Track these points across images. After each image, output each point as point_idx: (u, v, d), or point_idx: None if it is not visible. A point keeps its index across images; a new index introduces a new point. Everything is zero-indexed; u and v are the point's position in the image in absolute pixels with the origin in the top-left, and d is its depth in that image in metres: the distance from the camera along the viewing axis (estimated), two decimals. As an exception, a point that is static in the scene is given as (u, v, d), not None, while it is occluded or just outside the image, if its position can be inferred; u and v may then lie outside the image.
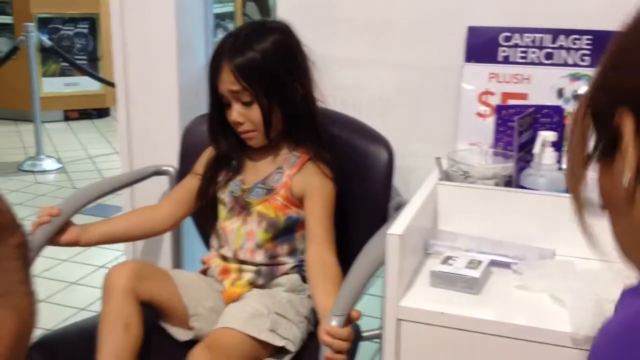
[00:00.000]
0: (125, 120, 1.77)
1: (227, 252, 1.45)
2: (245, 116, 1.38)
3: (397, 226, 1.10)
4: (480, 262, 1.17)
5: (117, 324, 1.28)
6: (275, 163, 1.45)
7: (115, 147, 5.01)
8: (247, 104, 1.37)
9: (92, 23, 5.66)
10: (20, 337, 0.79)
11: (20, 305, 0.81)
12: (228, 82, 1.36)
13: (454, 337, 1.07)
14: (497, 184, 1.32)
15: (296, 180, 1.41)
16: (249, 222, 1.43)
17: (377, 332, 1.53)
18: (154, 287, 1.35)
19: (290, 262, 1.43)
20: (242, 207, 1.44)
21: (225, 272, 1.44)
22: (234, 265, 1.43)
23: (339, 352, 1.13)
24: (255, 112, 1.37)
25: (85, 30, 5.64)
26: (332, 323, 1.12)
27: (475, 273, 1.13)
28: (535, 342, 1.03)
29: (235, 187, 1.45)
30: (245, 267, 1.42)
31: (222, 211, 1.47)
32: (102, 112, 5.88)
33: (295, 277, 1.42)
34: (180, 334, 1.39)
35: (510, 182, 1.33)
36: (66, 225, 1.40)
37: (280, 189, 1.41)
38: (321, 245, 1.37)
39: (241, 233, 1.43)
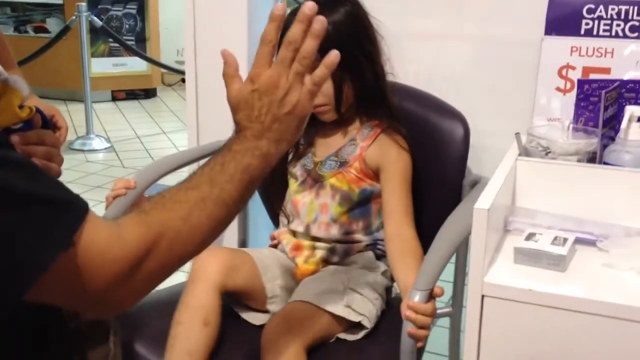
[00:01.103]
0: (193, 96, 1.77)
1: (297, 226, 1.44)
2: None
3: (484, 201, 1.07)
4: (565, 239, 1.14)
5: (196, 319, 1.23)
6: (347, 136, 1.43)
7: (162, 127, 5.05)
8: None
9: (141, 3, 5.70)
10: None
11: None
12: None
13: (541, 314, 1.05)
14: (579, 160, 1.29)
15: (370, 152, 1.39)
16: (322, 196, 1.41)
17: (446, 310, 1.50)
18: (241, 278, 1.32)
19: (365, 240, 1.41)
20: (314, 180, 1.42)
21: (297, 248, 1.43)
22: (306, 242, 1.42)
23: (421, 327, 1.11)
24: (327, 85, 1.34)
25: (133, 11, 5.69)
26: (415, 298, 1.11)
27: (562, 250, 1.10)
28: (627, 320, 1.00)
29: (307, 160, 1.44)
30: (318, 244, 1.41)
31: (293, 184, 1.46)
32: (149, 93, 5.94)
33: (369, 255, 1.41)
34: (255, 318, 1.36)
35: (594, 158, 1.29)
36: (140, 199, 1.40)
37: (354, 162, 1.40)
38: (399, 219, 1.35)
39: (314, 206, 1.41)
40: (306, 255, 1.41)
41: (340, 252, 1.40)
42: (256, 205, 1.67)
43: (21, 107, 1.02)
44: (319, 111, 1.39)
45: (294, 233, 1.45)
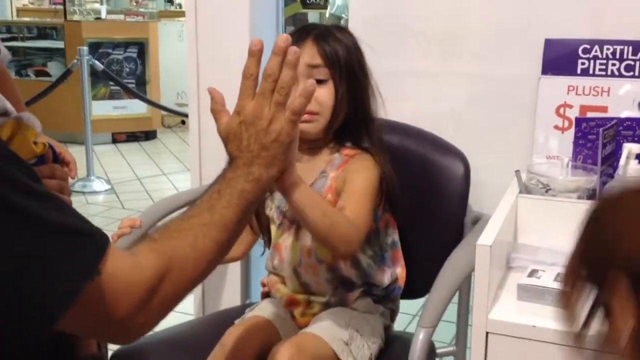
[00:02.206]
0: (196, 136, 1.79)
1: (285, 271, 1.38)
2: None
3: (486, 237, 1.08)
4: (568, 275, 1.14)
5: None
6: (317, 169, 1.35)
7: (162, 169, 5.07)
8: (320, 82, 1.28)
9: (141, 47, 5.78)
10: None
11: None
12: (308, 55, 1.29)
13: (546, 350, 1.05)
14: (579, 197, 1.30)
15: (339, 179, 1.31)
16: (302, 237, 1.34)
17: (450, 349, 1.50)
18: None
19: (356, 278, 1.36)
20: (291, 221, 1.36)
21: (292, 303, 1.38)
22: (300, 297, 1.37)
23: None
24: (326, 92, 1.30)
25: (134, 55, 5.77)
26: (419, 336, 1.10)
27: (565, 286, 1.11)
28: (632, 357, 1.00)
29: (281, 201, 1.36)
30: (313, 297, 1.37)
31: (273, 229, 1.40)
32: (149, 135, 5.98)
33: (366, 300, 1.36)
34: None
35: (594, 195, 1.30)
36: None
37: (327, 194, 1.32)
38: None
39: (296, 249, 1.35)
40: (302, 309, 1.37)
41: (337, 304, 1.36)
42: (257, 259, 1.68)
43: (35, 143, 1.05)
44: (307, 119, 1.29)
45: (283, 280, 1.40)
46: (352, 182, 1.29)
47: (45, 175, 1.04)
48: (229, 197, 0.90)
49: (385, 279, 1.38)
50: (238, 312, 1.44)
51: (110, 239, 1.36)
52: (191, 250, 0.84)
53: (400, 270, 1.41)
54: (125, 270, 0.76)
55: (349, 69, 1.32)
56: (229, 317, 1.39)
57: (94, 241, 0.74)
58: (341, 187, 1.30)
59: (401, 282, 1.41)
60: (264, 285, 1.47)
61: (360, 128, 1.35)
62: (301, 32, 1.33)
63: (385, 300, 1.40)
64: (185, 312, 2.20)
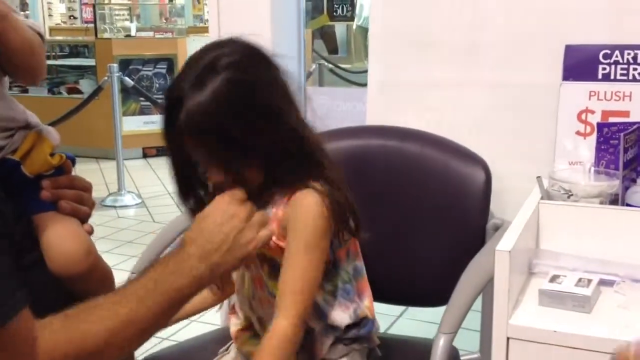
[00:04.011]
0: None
1: (242, 304, 1.28)
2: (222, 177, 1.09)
3: (505, 243, 1.09)
4: (590, 280, 1.14)
5: None
6: (265, 198, 1.16)
7: (192, 183, 5.13)
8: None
9: (170, 63, 5.87)
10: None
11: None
12: (189, 146, 1.09)
13: (567, 356, 1.04)
14: (602, 203, 1.29)
15: (285, 213, 1.13)
16: (251, 267, 1.21)
17: (474, 356, 1.50)
18: None
19: (316, 327, 1.19)
20: None
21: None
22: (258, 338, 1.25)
23: None
24: (217, 174, 1.10)
25: (163, 70, 5.85)
26: (440, 342, 1.11)
27: (587, 291, 1.10)
28: (655, 361, 0.99)
29: None
30: None
31: None
32: (178, 149, 6.05)
33: (338, 348, 1.21)
34: None
35: (616, 200, 1.30)
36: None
37: (273, 222, 1.11)
38: (281, 302, 1.11)
39: (246, 279, 1.24)
40: None
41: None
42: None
43: (52, 154, 1.08)
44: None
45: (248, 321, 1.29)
46: (289, 249, 1.12)
47: (63, 185, 1.07)
48: (163, 291, 0.88)
49: (347, 316, 1.20)
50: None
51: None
52: (103, 343, 0.82)
53: (368, 303, 1.24)
54: (27, 341, 0.74)
55: (232, 127, 1.04)
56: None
57: (9, 299, 0.73)
58: (285, 223, 1.13)
59: (371, 315, 1.24)
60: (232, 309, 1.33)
61: (299, 162, 1.12)
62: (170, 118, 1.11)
63: (361, 340, 1.24)
64: (211, 322, 2.23)
